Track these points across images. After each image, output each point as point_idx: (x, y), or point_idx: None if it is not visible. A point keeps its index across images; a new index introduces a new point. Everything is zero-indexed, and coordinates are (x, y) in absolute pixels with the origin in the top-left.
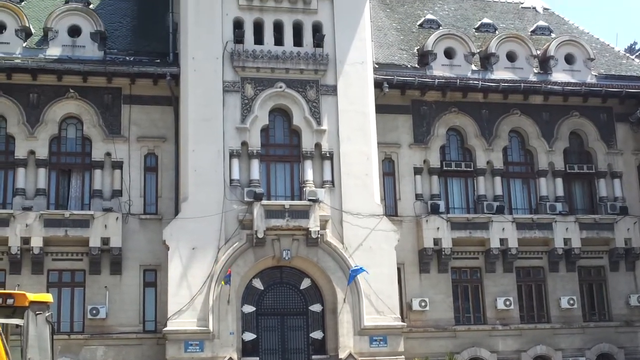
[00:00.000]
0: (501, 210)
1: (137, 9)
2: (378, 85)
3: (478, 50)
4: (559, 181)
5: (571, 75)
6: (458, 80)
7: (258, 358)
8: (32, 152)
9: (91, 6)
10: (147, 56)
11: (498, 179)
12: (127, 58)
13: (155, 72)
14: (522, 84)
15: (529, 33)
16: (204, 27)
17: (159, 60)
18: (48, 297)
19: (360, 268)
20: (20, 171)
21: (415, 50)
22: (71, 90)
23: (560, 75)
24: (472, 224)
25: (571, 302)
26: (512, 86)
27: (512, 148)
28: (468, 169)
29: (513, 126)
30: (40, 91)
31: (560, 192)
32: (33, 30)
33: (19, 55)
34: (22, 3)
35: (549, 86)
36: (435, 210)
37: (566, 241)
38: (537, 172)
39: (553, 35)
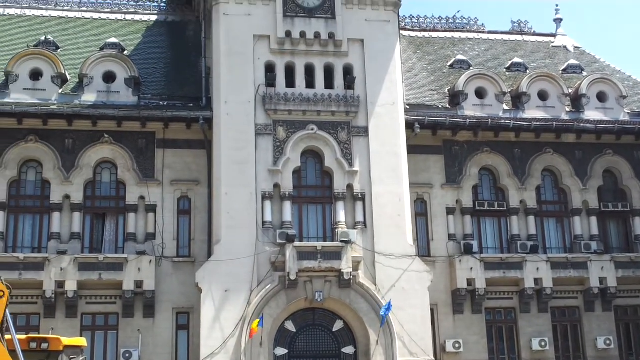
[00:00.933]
0: (535, 250)
1: (170, 55)
2: (409, 126)
3: (509, 90)
4: (594, 220)
5: (604, 113)
6: (490, 120)
7: None
8: (67, 197)
9: (125, 52)
10: (181, 100)
11: (532, 218)
12: (161, 103)
13: (188, 116)
14: (554, 123)
15: (560, 72)
16: (236, 72)
17: (192, 105)
18: (82, 341)
19: (388, 304)
20: (56, 215)
21: (446, 91)
22: (106, 135)
23: (592, 113)
24: (506, 264)
25: (608, 342)
26: (544, 125)
27: (546, 187)
28: (501, 209)
29: (546, 165)
30: (76, 136)
31: (594, 230)
32: (69, 77)
33: (55, 102)
34: (59, 50)
35: (582, 124)
36: (468, 250)
37: (602, 280)
38: (571, 210)
39: (584, 73)
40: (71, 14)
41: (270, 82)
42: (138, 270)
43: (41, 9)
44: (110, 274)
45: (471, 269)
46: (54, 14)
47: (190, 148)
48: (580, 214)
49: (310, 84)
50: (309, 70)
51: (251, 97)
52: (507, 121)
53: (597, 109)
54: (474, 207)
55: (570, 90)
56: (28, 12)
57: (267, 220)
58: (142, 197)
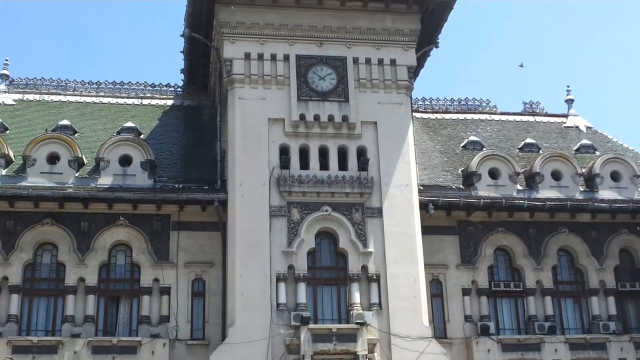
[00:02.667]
0: (553, 331)
1: (186, 138)
2: (423, 206)
3: (522, 170)
4: (611, 299)
5: (618, 193)
6: (504, 200)
7: None
8: (81, 279)
9: (142, 136)
10: (196, 183)
11: (548, 299)
12: (176, 185)
13: (203, 198)
14: (569, 203)
15: (573, 151)
16: (251, 154)
17: (207, 187)
18: None
19: None
20: (70, 298)
21: (459, 172)
22: (121, 218)
23: (606, 193)
24: (523, 345)
25: None
26: (559, 205)
27: (562, 267)
28: (517, 289)
29: (561, 245)
30: (91, 219)
31: (612, 310)
32: (85, 161)
33: (72, 185)
34: (76, 135)
35: (596, 204)
36: (485, 331)
37: None
38: (588, 290)
39: (597, 153)
40: (89, 99)
41: (285, 164)
42: (152, 353)
43: (60, 94)
44: (123, 357)
45: (488, 350)
46: (72, 99)
47: (205, 230)
48: (597, 294)
49: (324, 165)
50: (323, 152)
51: (266, 180)
52: (521, 201)
53: (611, 188)
54: (489, 287)
55: (583, 170)
56: (47, 97)
57: (281, 302)
58: (156, 280)
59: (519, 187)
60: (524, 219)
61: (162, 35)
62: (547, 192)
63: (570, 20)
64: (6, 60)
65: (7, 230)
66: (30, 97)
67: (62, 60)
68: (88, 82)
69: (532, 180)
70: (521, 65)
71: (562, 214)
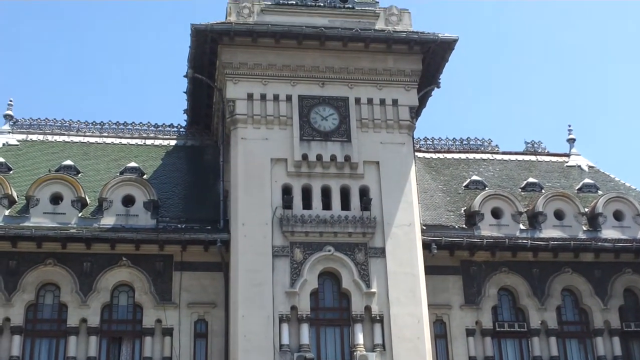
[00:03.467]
0: None
1: (189, 178)
2: (426, 246)
3: (525, 210)
4: (616, 340)
5: (621, 232)
6: (507, 240)
7: None
8: (84, 320)
9: (145, 176)
10: (198, 223)
11: (553, 339)
12: (179, 225)
13: (206, 238)
14: (572, 242)
15: (576, 191)
16: (253, 194)
17: (209, 227)
18: None
19: None
20: (72, 339)
21: (462, 211)
22: (124, 259)
23: (609, 232)
24: None
25: None
26: (562, 244)
27: (566, 307)
28: (522, 330)
29: (565, 284)
30: (94, 259)
31: (617, 351)
32: (88, 201)
33: (74, 225)
34: (79, 175)
35: (599, 243)
36: None
37: None
38: (593, 331)
39: (600, 192)
40: (92, 140)
41: (287, 204)
42: None
43: (63, 134)
44: None
45: None
46: (76, 139)
47: (208, 270)
48: (602, 334)
49: (326, 205)
50: (326, 192)
51: (268, 219)
52: (524, 241)
53: (614, 227)
54: (494, 328)
55: (586, 210)
56: (50, 137)
57: (284, 343)
58: (158, 321)
59: (522, 226)
60: (527, 258)
61: (165, 76)
62: (550, 232)
63: (571, 60)
64: (10, 100)
65: (9, 270)
66: (34, 137)
67: (66, 101)
68: (92, 123)
69: (535, 219)
70: None
71: (566, 254)
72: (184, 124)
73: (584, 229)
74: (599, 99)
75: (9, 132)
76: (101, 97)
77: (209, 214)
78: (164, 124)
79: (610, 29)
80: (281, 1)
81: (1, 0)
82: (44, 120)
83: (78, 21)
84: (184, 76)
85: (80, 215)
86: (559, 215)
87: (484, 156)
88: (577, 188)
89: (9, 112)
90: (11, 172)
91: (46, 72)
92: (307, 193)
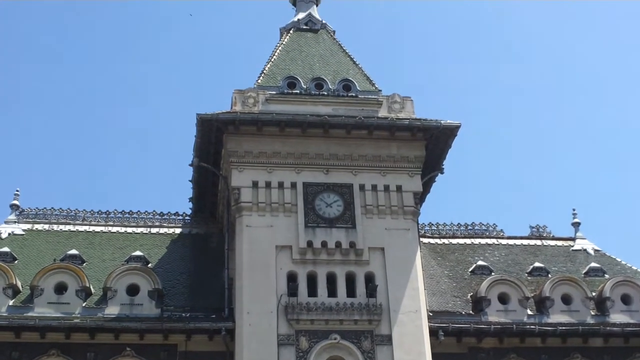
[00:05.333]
0: None
1: (193, 267)
2: (433, 333)
3: (532, 295)
4: None
5: (630, 316)
6: (514, 326)
7: None
8: None
9: (150, 265)
10: (203, 312)
11: None
12: (184, 314)
13: (210, 327)
14: (580, 327)
15: (582, 275)
16: (258, 282)
17: (214, 316)
18: None
19: None
20: None
21: (468, 297)
22: (128, 349)
23: (618, 316)
24: None
25: None
26: (570, 330)
27: None
28: None
29: None
30: (98, 350)
31: None
32: (93, 290)
33: (79, 315)
34: (84, 264)
35: (608, 328)
36: None
37: None
38: None
39: (607, 276)
40: (97, 228)
41: (293, 291)
42: None
43: (69, 223)
44: None
45: None
46: (81, 228)
47: None
48: None
49: (332, 292)
50: (331, 279)
51: (273, 307)
52: (532, 326)
53: (623, 311)
54: None
55: (593, 294)
56: (56, 227)
57: None
58: None
59: (529, 312)
60: (535, 344)
61: (171, 164)
62: (557, 317)
63: (574, 144)
64: (17, 190)
65: None
66: (40, 226)
67: (72, 189)
68: (97, 212)
69: (542, 304)
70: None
71: (574, 339)
72: (189, 211)
73: (592, 313)
74: (603, 182)
75: (15, 222)
76: (107, 186)
77: (213, 303)
78: (169, 212)
79: (613, 112)
80: (285, 90)
81: (6, 93)
82: (50, 209)
83: (84, 110)
84: (190, 165)
85: (84, 304)
86: (566, 300)
87: (489, 241)
88: (583, 272)
89: (15, 201)
90: (16, 261)
91: (52, 161)
92: (312, 280)
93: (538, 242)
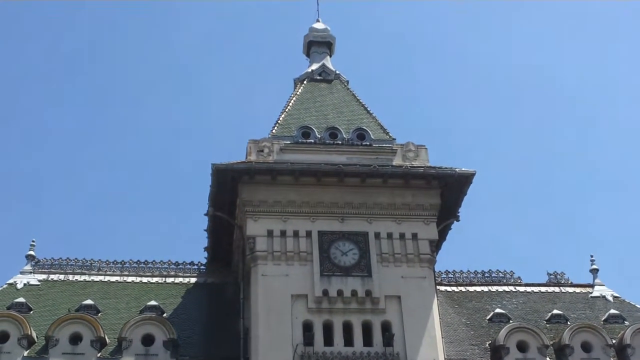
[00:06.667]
0: None
1: (209, 316)
2: None
3: (551, 342)
4: None
5: None
6: None
7: None
8: None
9: (165, 315)
10: None
11: None
12: None
13: None
14: None
15: (602, 322)
16: (274, 331)
17: None
18: None
19: None
20: None
21: (487, 345)
22: None
23: None
24: None
25: None
26: None
27: None
28: None
29: None
30: None
31: None
32: (108, 340)
33: None
34: (99, 314)
35: None
36: None
37: None
38: None
39: (627, 323)
40: (113, 278)
41: (309, 341)
42: None
43: (84, 274)
44: None
45: None
46: (97, 278)
47: None
48: None
49: (348, 341)
50: (347, 328)
51: (289, 357)
52: None
53: None
54: None
55: (614, 341)
56: (71, 277)
57: None
58: None
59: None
60: None
61: (185, 214)
62: None
63: (591, 189)
64: (32, 241)
65: None
66: (55, 277)
67: (88, 240)
68: (112, 262)
69: (561, 352)
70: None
71: None
72: (204, 261)
73: None
74: (621, 227)
75: (31, 272)
76: (122, 237)
77: (229, 352)
78: (184, 262)
79: (631, 157)
80: (300, 140)
81: (24, 142)
82: (65, 259)
83: (99, 160)
84: (205, 214)
85: (99, 355)
86: (586, 347)
87: (507, 288)
88: (603, 319)
89: (31, 252)
90: (31, 312)
91: (67, 211)
92: (328, 329)
93: (556, 289)
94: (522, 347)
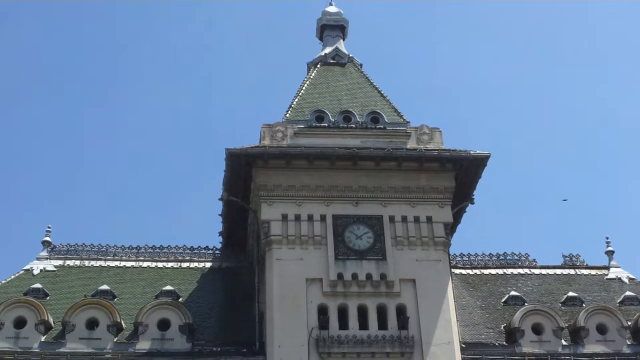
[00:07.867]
0: None
1: (224, 300)
2: None
3: (567, 325)
4: None
5: None
6: (549, 357)
7: None
8: None
9: (180, 299)
10: (234, 346)
11: None
12: (214, 349)
13: None
14: (616, 357)
15: (617, 304)
16: (289, 315)
17: (245, 350)
18: None
19: None
20: None
21: (502, 328)
22: None
23: None
24: None
25: None
26: None
27: None
28: None
29: None
30: None
31: None
32: (124, 325)
33: (110, 350)
34: (115, 299)
35: None
36: None
37: None
38: None
39: None
40: (128, 264)
41: (324, 324)
42: None
43: (100, 259)
44: None
45: None
46: (112, 264)
47: None
48: None
49: (363, 325)
50: (362, 311)
51: (304, 341)
52: (567, 357)
53: None
54: None
55: (629, 323)
56: (87, 262)
57: None
58: None
59: (564, 342)
60: None
61: (200, 199)
62: (593, 347)
63: (606, 170)
64: (48, 227)
65: None
66: (71, 262)
67: (103, 225)
68: (128, 247)
69: (577, 335)
70: (565, 200)
71: None
72: (219, 246)
73: (628, 343)
74: (637, 209)
75: (47, 258)
76: (138, 222)
77: (244, 337)
78: (199, 246)
79: None
80: (314, 124)
81: (39, 131)
82: (81, 245)
83: (114, 146)
84: (219, 199)
85: (115, 340)
86: (601, 329)
87: (522, 271)
88: (618, 301)
89: (47, 238)
90: (48, 297)
91: (83, 197)
92: (343, 313)
93: (572, 272)
94: (537, 329)
